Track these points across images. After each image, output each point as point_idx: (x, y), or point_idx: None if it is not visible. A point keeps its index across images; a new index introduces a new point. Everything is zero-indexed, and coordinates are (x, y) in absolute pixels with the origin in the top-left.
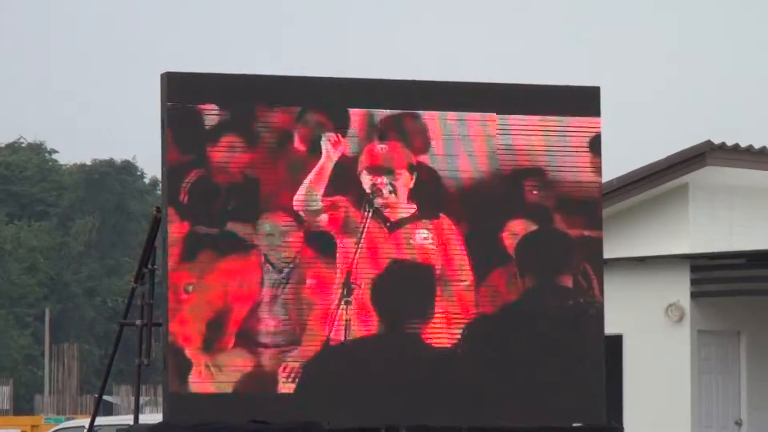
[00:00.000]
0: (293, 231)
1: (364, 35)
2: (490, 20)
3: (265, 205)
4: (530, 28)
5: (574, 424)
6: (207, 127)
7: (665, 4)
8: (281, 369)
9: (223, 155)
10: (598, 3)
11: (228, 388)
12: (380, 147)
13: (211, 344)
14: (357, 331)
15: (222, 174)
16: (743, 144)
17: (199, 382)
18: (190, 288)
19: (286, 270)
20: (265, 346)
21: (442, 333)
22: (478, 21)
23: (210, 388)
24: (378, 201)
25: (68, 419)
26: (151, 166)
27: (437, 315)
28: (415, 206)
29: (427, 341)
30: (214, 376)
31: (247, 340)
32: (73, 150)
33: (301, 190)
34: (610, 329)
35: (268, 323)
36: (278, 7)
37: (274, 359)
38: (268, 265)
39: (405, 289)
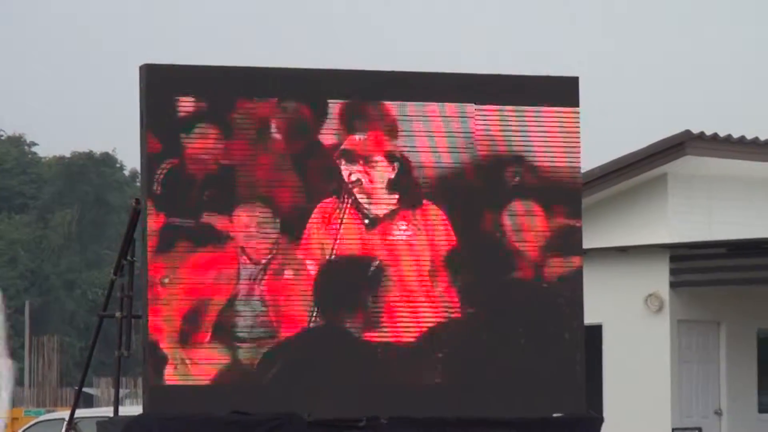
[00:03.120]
0: (270, 222)
1: (347, 26)
2: (471, 11)
3: (241, 196)
4: (509, 13)
5: (555, 414)
6: (185, 118)
7: None
8: (260, 361)
9: (202, 146)
10: None
11: (207, 380)
12: (359, 137)
13: (187, 337)
14: (336, 323)
15: (198, 164)
16: (722, 133)
17: (176, 375)
18: (166, 280)
19: (263, 261)
20: (243, 339)
21: (423, 324)
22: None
23: (188, 380)
24: (357, 191)
25: (48, 411)
26: (130, 158)
27: (419, 306)
28: (394, 196)
29: (409, 332)
30: (191, 369)
31: (225, 332)
32: (53, 142)
33: (279, 182)
34: (589, 319)
35: (246, 315)
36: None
37: (252, 351)
38: (244, 256)
39: (387, 280)
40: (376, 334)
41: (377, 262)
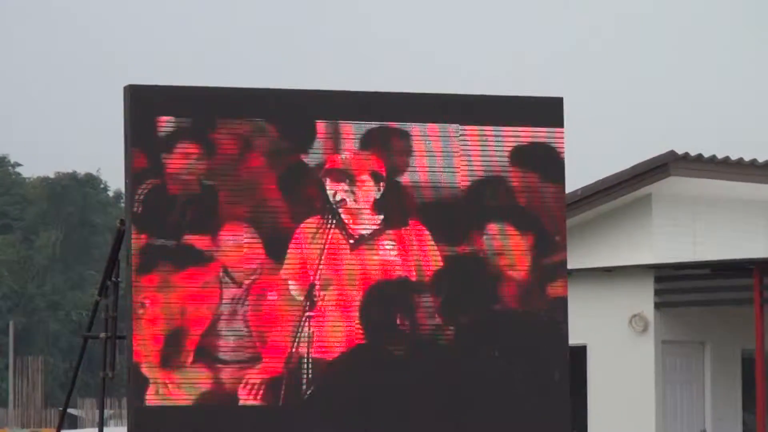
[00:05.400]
0: (254, 242)
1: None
2: (454, 33)
3: (224, 216)
4: (494, 38)
5: None
6: (167, 138)
7: (628, 16)
8: (243, 384)
9: (183, 166)
10: (562, 15)
11: (190, 402)
12: (343, 157)
13: (171, 358)
14: (320, 345)
15: (180, 184)
16: (706, 154)
17: (160, 396)
18: (147, 302)
19: (246, 283)
20: (225, 361)
21: (408, 344)
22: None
23: (172, 401)
24: (342, 211)
25: None
26: (114, 178)
27: (402, 326)
28: (379, 216)
29: (394, 352)
30: (174, 390)
31: (208, 354)
32: (37, 163)
33: (262, 202)
34: (574, 340)
35: (228, 337)
36: (241, 17)
37: (235, 374)
38: (227, 278)
39: (370, 300)
40: (358, 355)
41: (364, 282)
